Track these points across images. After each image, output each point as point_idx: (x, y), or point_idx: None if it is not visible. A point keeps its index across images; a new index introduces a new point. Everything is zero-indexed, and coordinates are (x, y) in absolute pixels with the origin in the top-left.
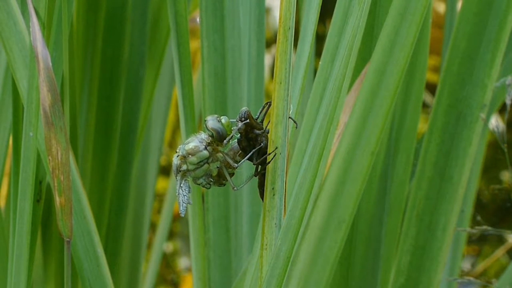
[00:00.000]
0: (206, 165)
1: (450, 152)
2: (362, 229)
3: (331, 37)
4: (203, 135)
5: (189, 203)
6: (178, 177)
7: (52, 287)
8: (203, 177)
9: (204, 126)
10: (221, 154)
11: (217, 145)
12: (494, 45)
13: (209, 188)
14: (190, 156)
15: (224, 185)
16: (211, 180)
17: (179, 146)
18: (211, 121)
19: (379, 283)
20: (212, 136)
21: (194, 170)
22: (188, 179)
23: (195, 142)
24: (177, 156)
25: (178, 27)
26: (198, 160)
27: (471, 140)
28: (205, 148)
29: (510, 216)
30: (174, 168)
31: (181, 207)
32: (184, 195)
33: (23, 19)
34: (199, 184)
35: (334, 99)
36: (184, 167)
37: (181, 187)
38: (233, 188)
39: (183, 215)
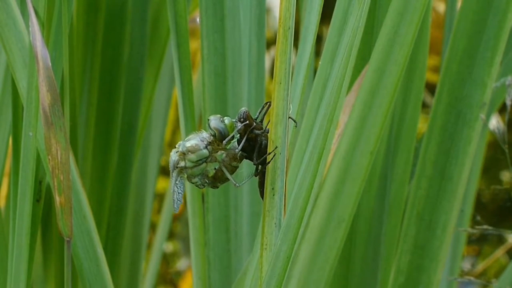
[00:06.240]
0: (204, 164)
1: (450, 151)
2: (362, 228)
3: (331, 37)
4: (205, 134)
5: (181, 202)
6: (174, 174)
7: (52, 287)
8: (199, 176)
9: (207, 125)
10: (219, 154)
11: (218, 145)
12: (494, 44)
13: (203, 188)
14: (189, 153)
15: (218, 187)
16: (206, 181)
17: (179, 142)
18: (214, 121)
19: (379, 283)
20: (213, 135)
21: (191, 167)
22: (184, 177)
23: (196, 140)
24: (176, 152)
25: (178, 27)
26: (197, 158)
27: (471, 139)
28: (206, 147)
29: (510, 216)
30: (171, 163)
31: (175, 204)
32: (179, 193)
33: (22, 19)
34: (193, 183)
35: (334, 99)
36: (182, 163)
37: (176, 184)
38: (235, 184)
39: (176, 212)
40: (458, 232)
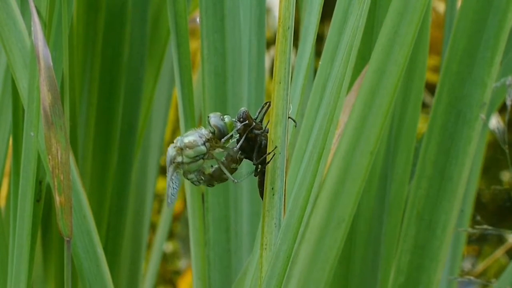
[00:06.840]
0: (201, 160)
1: (450, 151)
2: (361, 228)
3: (331, 37)
4: (203, 131)
5: (175, 197)
6: (171, 169)
7: (52, 287)
8: (195, 173)
9: (207, 122)
10: (216, 151)
11: (216, 143)
12: (494, 43)
13: (198, 185)
14: (187, 149)
15: (213, 185)
16: (202, 178)
17: (177, 138)
18: (214, 118)
19: (379, 283)
20: (212, 133)
21: (188, 163)
22: (180, 172)
23: (195, 136)
24: (174, 147)
25: (178, 27)
26: (195, 154)
27: (471, 139)
28: (204, 144)
29: (510, 216)
30: (168, 158)
31: (169, 199)
32: (173, 188)
33: (22, 19)
34: (189, 179)
35: (334, 99)
36: (179, 159)
37: (172, 179)
38: (233, 181)
39: (170, 207)
40: (458, 232)
